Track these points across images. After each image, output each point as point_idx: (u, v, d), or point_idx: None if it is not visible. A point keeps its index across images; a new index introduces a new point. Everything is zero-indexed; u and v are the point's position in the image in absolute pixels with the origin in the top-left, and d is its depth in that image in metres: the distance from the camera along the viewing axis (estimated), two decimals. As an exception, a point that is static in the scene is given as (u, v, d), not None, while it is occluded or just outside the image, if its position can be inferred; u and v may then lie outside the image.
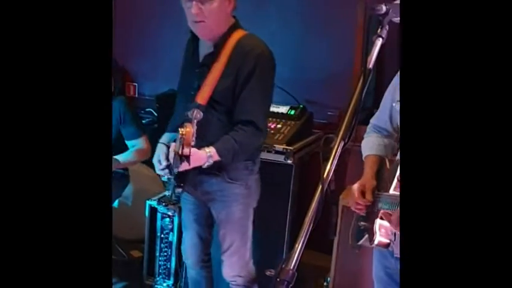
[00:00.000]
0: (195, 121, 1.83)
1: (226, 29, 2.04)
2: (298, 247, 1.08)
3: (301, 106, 2.78)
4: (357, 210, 1.68)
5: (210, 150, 1.95)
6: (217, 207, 2.16)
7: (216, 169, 2.02)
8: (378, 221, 1.54)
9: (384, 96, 1.77)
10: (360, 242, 1.67)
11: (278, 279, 1.03)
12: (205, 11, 1.93)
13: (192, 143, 1.84)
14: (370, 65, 1.25)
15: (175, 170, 1.97)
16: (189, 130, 1.81)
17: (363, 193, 1.64)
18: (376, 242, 1.54)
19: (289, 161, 2.49)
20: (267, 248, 2.52)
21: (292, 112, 2.75)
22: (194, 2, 1.92)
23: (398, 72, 1.64)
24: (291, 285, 1.02)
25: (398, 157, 1.61)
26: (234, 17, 2.09)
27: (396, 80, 1.69)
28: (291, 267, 1.04)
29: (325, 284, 2.71)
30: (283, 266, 1.05)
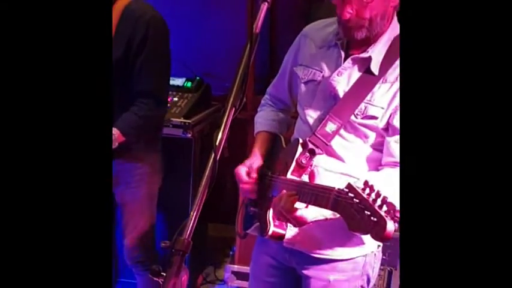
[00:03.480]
0: None
1: None
2: (193, 216, 1.06)
3: (197, 78, 2.73)
4: (245, 193, 1.51)
5: (114, 132, 1.85)
6: (121, 190, 2.07)
7: (116, 149, 1.91)
8: (272, 211, 1.36)
9: (284, 60, 1.59)
10: (249, 231, 1.51)
11: (173, 250, 1.01)
12: None
13: None
14: (257, 30, 1.25)
15: None
16: None
17: (248, 174, 1.47)
18: (270, 233, 1.37)
19: (188, 135, 2.45)
20: (170, 225, 2.49)
21: (189, 84, 2.69)
22: None
23: (300, 35, 1.54)
24: (186, 254, 1.01)
25: (297, 136, 1.45)
26: None
27: (298, 42, 1.53)
28: (186, 237, 1.03)
29: (231, 253, 2.75)
30: (178, 236, 1.03)
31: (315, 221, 1.30)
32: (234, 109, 1.20)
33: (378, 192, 1.00)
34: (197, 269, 2.91)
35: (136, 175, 2.04)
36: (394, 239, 2.45)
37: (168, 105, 2.56)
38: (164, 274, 0.99)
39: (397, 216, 0.95)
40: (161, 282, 0.97)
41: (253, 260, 1.64)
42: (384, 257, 2.50)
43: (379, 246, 1.50)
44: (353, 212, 1.03)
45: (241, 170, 1.48)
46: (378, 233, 0.96)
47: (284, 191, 1.31)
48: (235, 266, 2.66)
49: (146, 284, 2.21)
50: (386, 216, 0.95)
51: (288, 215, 1.28)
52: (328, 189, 1.17)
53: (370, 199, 1.00)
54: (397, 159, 1.30)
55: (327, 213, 1.28)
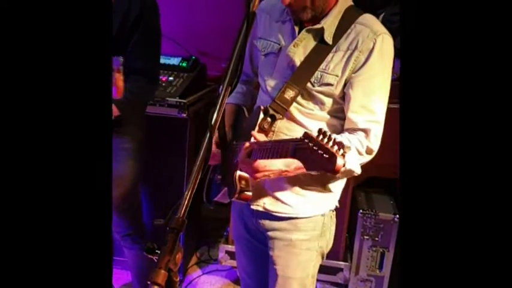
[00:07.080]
0: None
1: None
2: (187, 195, 1.06)
3: (193, 58, 2.71)
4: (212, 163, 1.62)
5: None
6: None
7: None
8: (238, 173, 1.43)
9: None
10: (217, 198, 1.58)
11: (168, 228, 1.02)
12: None
13: None
14: (254, 8, 1.24)
15: None
16: None
17: (216, 144, 1.57)
18: (237, 194, 1.43)
19: (184, 115, 2.44)
20: (165, 204, 2.49)
21: (184, 64, 2.67)
22: None
23: (257, 10, 1.48)
24: (180, 232, 1.01)
25: (259, 105, 1.53)
26: None
27: (259, 18, 1.59)
28: (181, 215, 1.03)
29: (225, 233, 2.77)
30: (173, 214, 1.03)
31: (270, 179, 1.41)
32: (229, 89, 1.19)
33: (329, 136, 1.10)
34: (191, 249, 2.93)
35: (121, 150, 2.05)
36: (387, 223, 2.48)
37: (164, 84, 2.55)
38: (158, 252, 0.99)
39: (345, 152, 1.06)
40: (155, 260, 0.97)
41: (232, 224, 1.76)
42: (376, 239, 2.53)
43: (336, 206, 1.60)
44: (309, 154, 1.11)
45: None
46: (329, 167, 1.05)
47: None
48: (229, 246, 2.69)
49: (136, 257, 2.23)
50: (337, 152, 1.05)
51: (242, 165, 1.39)
52: (287, 141, 1.24)
53: (324, 142, 1.10)
54: (355, 126, 1.42)
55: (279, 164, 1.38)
